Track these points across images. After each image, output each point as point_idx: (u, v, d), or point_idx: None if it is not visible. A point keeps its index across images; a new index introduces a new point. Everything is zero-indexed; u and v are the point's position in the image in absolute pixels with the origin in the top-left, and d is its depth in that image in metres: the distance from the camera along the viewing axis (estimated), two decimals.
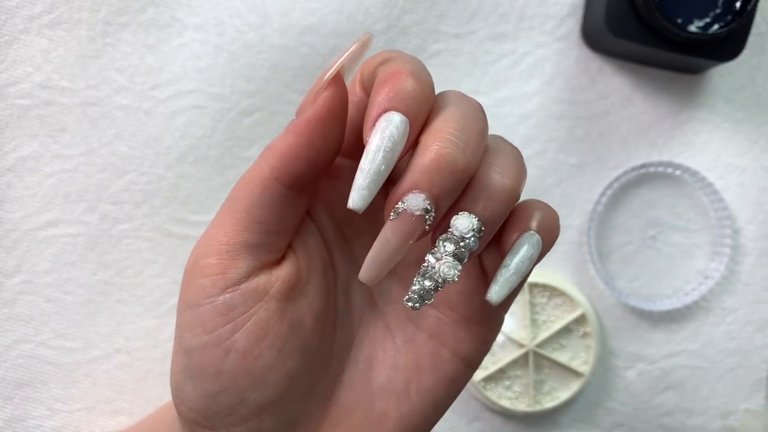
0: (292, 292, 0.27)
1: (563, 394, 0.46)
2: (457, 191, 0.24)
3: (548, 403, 0.45)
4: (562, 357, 0.45)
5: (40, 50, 0.44)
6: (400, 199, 0.23)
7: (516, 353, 0.45)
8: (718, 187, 0.47)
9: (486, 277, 0.28)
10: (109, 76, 0.44)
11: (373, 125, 0.24)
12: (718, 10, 0.42)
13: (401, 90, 0.23)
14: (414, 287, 0.24)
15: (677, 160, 0.47)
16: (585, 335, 0.45)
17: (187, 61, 0.44)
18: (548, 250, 0.27)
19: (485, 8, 0.46)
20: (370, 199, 0.24)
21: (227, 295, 0.26)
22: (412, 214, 0.23)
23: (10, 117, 0.44)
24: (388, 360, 0.29)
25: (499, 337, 0.45)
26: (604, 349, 0.47)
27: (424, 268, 0.24)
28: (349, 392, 0.29)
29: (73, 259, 0.44)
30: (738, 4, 0.42)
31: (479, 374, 0.45)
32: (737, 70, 0.47)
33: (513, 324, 0.45)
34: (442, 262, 0.24)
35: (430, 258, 0.24)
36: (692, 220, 0.47)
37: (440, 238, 0.24)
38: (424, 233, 0.24)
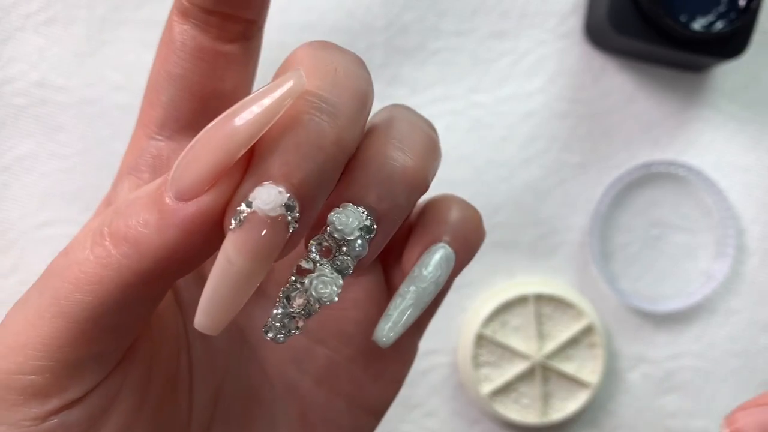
0: (144, 382, 0.21)
1: (572, 405, 0.45)
2: (330, 177, 0.17)
3: (556, 415, 0.45)
4: (569, 368, 0.45)
5: (36, 48, 0.43)
6: (244, 198, 0.16)
7: (523, 366, 0.44)
8: (722, 187, 0.46)
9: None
10: (105, 74, 0.44)
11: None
12: (721, 8, 0.42)
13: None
14: (275, 311, 0.17)
15: (681, 159, 0.46)
16: (592, 345, 0.45)
17: None
18: (464, 267, 0.21)
19: (486, 5, 0.45)
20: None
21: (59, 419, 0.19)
22: (266, 217, 0.16)
23: (5, 116, 0.43)
24: (264, 415, 0.23)
25: (506, 350, 0.44)
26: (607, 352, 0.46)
27: (291, 284, 0.18)
28: None
29: None
30: (742, 2, 0.42)
31: (487, 388, 0.44)
32: (741, 68, 0.47)
33: (519, 336, 0.45)
34: (316, 275, 0.17)
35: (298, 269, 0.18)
36: (696, 219, 0.47)
37: (314, 240, 0.18)
38: (290, 244, 0.17)
